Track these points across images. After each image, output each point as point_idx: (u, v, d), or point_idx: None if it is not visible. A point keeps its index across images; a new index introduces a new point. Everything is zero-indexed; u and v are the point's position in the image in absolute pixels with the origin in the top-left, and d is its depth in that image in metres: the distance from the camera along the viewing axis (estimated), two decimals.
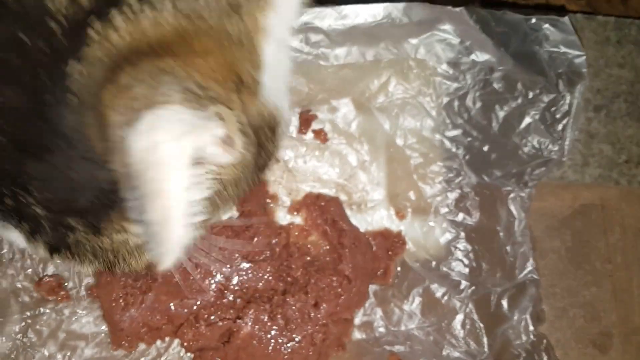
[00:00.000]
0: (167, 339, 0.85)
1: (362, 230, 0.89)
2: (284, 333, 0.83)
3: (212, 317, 0.82)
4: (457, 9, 0.84)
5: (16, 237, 0.52)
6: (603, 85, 0.98)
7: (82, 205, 0.49)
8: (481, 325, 0.86)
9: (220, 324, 0.82)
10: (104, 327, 0.85)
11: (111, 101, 0.44)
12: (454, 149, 0.89)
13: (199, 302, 0.83)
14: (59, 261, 0.57)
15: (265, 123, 0.56)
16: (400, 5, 0.85)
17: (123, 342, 0.83)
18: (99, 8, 0.45)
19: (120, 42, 0.45)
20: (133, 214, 0.46)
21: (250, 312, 0.82)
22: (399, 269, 0.88)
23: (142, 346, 0.85)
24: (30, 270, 0.85)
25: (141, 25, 0.46)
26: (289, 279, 0.85)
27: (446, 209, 0.89)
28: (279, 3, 0.55)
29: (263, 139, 0.56)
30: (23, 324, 0.84)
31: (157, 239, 0.46)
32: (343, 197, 0.90)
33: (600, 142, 0.97)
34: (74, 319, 0.85)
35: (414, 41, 0.87)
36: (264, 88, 0.55)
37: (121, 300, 0.82)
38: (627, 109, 0.98)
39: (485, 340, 0.86)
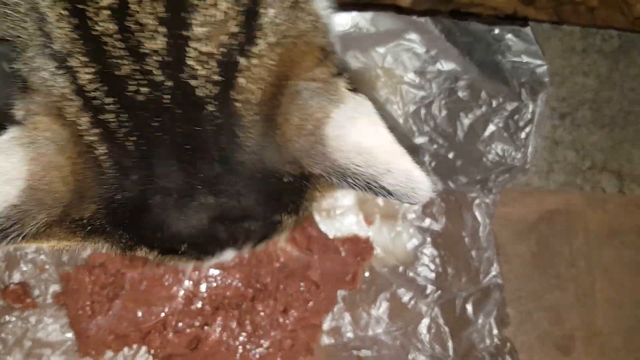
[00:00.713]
0: (134, 346, 0.86)
1: (331, 236, 0.91)
2: (252, 339, 0.85)
3: (180, 324, 0.83)
4: (423, 19, 0.86)
5: (228, 254, 0.60)
6: (568, 93, 1.00)
7: (287, 203, 0.57)
8: (446, 329, 0.88)
9: (188, 330, 0.83)
10: (70, 335, 0.85)
11: (283, 137, 0.52)
12: (420, 156, 0.90)
13: (166, 309, 0.84)
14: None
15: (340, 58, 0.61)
16: (368, 15, 0.86)
17: (90, 350, 0.84)
18: (227, 79, 0.51)
19: (256, 92, 0.52)
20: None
21: (219, 319, 0.84)
22: (367, 274, 0.90)
23: (109, 354, 0.85)
24: None
25: (259, 73, 0.52)
26: (257, 285, 0.86)
27: (413, 215, 0.91)
28: None
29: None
30: None
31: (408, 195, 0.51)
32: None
33: (565, 149, 0.99)
34: (40, 326, 0.85)
35: (381, 50, 0.89)
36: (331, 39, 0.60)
37: (88, 308, 0.83)
38: (592, 117, 1.00)
39: (450, 344, 0.88)
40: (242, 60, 0.52)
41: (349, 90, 0.52)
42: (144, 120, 0.52)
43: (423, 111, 0.90)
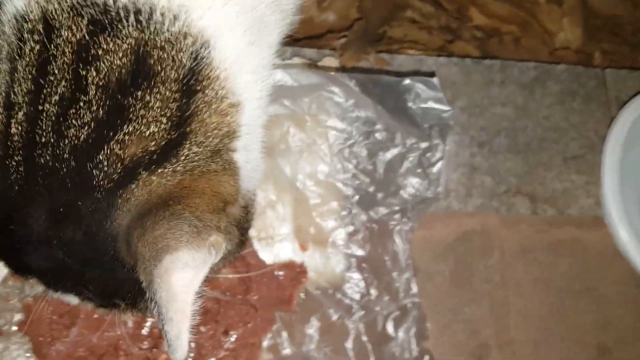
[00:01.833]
0: None
1: (269, 261, 1.02)
2: (197, 358, 0.96)
3: (130, 347, 0.95)
4: (340, 75, 0.97)
5: (71, 299, 0.70)
6: (487, 123, 1.11)
7: (123, 294, 0.68)
8: (370, 345, 0.99)
9: (138, 353, 0.95)
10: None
11: (139, 237, 0.61)
12: (346, 191, 1.01)
13: (118, 333, 0.95)
14: None
15: (244, 211, 0.74)
16: (293, 71, 0.97)
17: None
18: (123, 182, 0.62)
19: (141, 198, 0.63)
20: (151, 313, 0.64)
21: None
22: (302, 295, 1.01)
23: None
24: None
25: (153, 187, 0.63)
26: (200, 309, 0.97)
27: (341, 242, 1.02)
28: (244, 131, 0.70)
29: (242, 222, 0.74)
30: None
31: (171, 341, 0.61)
32: (253, 233, 1.02)
33: (483, 175, 1.09)
34: (6, 353, 0.93)
35: (306, 99, 0.99)
36: (242, 187, 0.72)
37: (48, 335, 0.93)
38: (508, 144, 1.10)
39: (373, 357, 0.99)
40: (144, 174, 0.62)
41: (212, 247, 0.62)
42: (34, 178, 0.62)
43: (347, 151, 1.01)
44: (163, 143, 0.63)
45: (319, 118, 1.00)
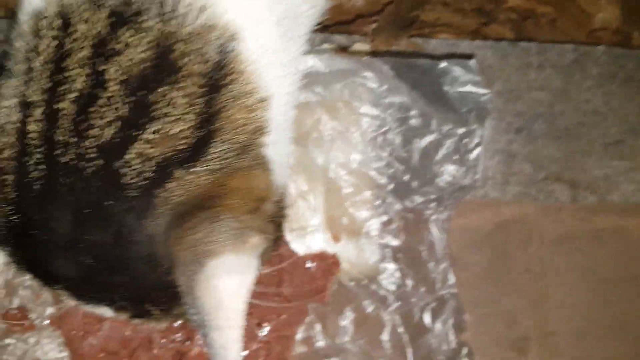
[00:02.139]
0: None
1: (302, 253, 0.99)
2: None
3: (164, 341, 0.93)
4: (374, 60, 0.94)
5: (105, 311, 0.67)
6: (524, 108, 1.07)
7: (157, 300, 0.65)
8: (406, 336, 0.97)
9: (172, 346, 0.93)
10: (66, 353, 0.94)
11: (177, 240, 0.59)
12: (380, 180, 0.99)
13: (152, 326, 0.94)
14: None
15: (278, 206, 0.71)
16: (324, 56, 0.94)
17: None
18: (159, 180, 0.60)
19: (178, 198, 0.60)
20: (193, 322, 0.62)
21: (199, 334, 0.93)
22: (335, 287, 0.99)
23: None
24: None
25: (189, 186, 0.60)
26: None
27: (375, 232, 0.99)
28: (273, 126, 0.68)
29: (277, 218, 0.71)
30: None
31: (217, 350, 0.60)
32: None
33: (521, 162, 1.06)
34: (38, 347, 0.93)
35: (338, 86, 0.97)
36: (274, 182, 0.69)
37: (80, 329, 0.92)
38: (546, 129, 1.07)
39: (410, 349, 0.96)
40: (178, 172, 0.60)
41: (252, 251, 0.61)
42: (56, 176, 0.59)
43: (380, 138, 0.98)
44: (193, 141, 0.61)
45: (352, 105, 0.98)
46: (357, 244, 1.00)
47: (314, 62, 0.95)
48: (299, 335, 0.98)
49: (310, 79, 0.96)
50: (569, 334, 1.02)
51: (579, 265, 1.04)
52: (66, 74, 0.60)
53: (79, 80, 0.60)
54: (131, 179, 0.59)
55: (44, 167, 0.60)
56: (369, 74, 0.96)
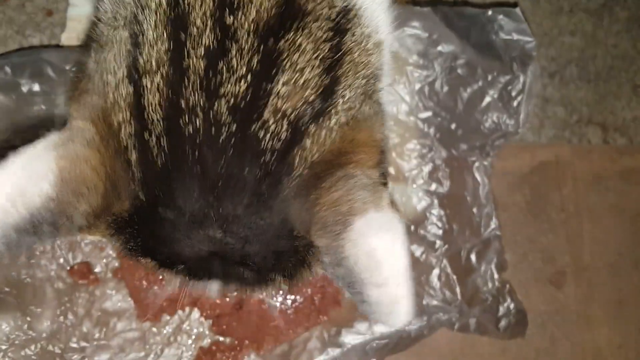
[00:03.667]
0: (187, 308, 0.98)
1: None
2: (287, 297, 0.98)
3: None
4: (425, 9, 0.96)
5: (214, 286, 0.65)
6: (557, 53, 1.10)
7: (287, 268, 0.63)
8: (454, 277, 1.01)
9: (233, 294, 0.97)
10: (132, 303, 0.97)
11: (315, 201, 0.57)
12: (426, 129, 1.02)
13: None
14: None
15: (384, 155, 0.68)
16: None
17: (149, 315, 0.96)
18: (294, 139, 0.57)
19: (315, 157, 0.58)
20: (338, 282, 0.59)
21: None
22: None
23: (166, 317, 0.97)
24: (61, 259, 0.96)
25: (322, 141, 0.59)
26: None
27: (421, 180, 1.03)
28: (384, 71, 0.68)
29: (384, 168, 0.68)
30: (63, 307, 0.95)
31: (383, 307, 0.57)
32: None
33: (555, 106, 1.10)
34: (104, 298, 0.96)
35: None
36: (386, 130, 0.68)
37: (144, 280, 0.95)
38: (578, 74, 1.10)
39: (458, 289, 1.01)
40: (312, 128, 0.58)
41: (389, 206, 0.58)
42: (182, 149, 0.56)
43: (427, 89, 1.01)
44: (320, 90, 0.58)
45: (400, 56, 1.00)
46: (405, 192, 1.03)
47: None
48: None
49: None
50: (602, 269, 1.08)
51: (610, 203, 1.09)
52: (190, 30, 0.57)
53: (205, 35, 0.56)
54: (268, 141, 0.56)
55: (166, 142, 0.57)
56: (418, 23, 0.98)
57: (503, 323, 1.01)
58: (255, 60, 0.56)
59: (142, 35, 0.59)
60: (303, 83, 0.58)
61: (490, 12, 0.97)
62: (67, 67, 0.94)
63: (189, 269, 0.63)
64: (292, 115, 0.57)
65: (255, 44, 0.56)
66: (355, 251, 0.55)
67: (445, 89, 1.01)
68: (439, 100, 1.01)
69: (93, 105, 0.61)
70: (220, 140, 0.56)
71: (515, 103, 1.01)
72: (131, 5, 0.60)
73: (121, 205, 0.60)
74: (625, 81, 1.11)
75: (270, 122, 0.56)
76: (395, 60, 1.00)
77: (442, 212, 1.03)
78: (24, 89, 0.93)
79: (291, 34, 0.58)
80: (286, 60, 0.57)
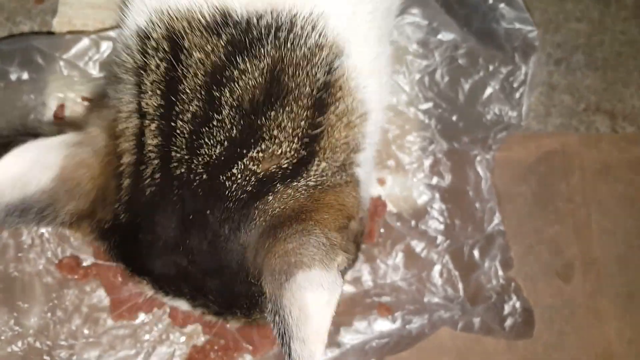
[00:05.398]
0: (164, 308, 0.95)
1: None
2: None
3: None
4: None
5: (182, 304, 0.70)
6: (563, 39, 1.07)
7: (242, 304, 0.68)
8: (456, 273, 0.99)
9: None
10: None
11: (269, 249, 0.61)
12: (426, 120, 0.99)
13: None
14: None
15: (361, 224, 0.74)
16: None
17: (124, 313, 0.94)
18: (258, 194, 0.63)
19: (276, 210, 0.63)
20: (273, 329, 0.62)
21: None
22: (382, 230, 1.00)
23: (142, 315, 0.95)
24: (49, 252, 0.94)
25: (287, 199, 0.63)
26: None
27: (422, 174, 1.00)
28: (367, 143, 0.70)
29: (358, 237, 0.74)
30: (50, 303, 0.94)
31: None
32: None
33: (561, 93, 1.06)
34: (94, 294, 0.95)
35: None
36: (362, 201, 0.72)
37: (119, 276, 0.92)
38: (585, 61, 1.07)
39: (460, 286, 0.99)
40: (279, 187, 0.63)
41: (339, 269, 0.61)
42: (169, 186, 0.63)
43: (427, 79, 0.98)
44: (295, 161, 0.63)
45: (400, 44, 0.97)
46: (405, 186, 1.01)
47: None
48: (347, 276, 1.00)
49: None
50: (611, 260, 1.05)
51: (619, 193, 1.06)
52: (181, 96, 0.63)
53: (193, 104, 0.62)
54: (233, 190, 0.62)
55: (158, 176, 0.64)
56: (418, 10, 0.95)
57: (509, 322, 0.99)
58: (235, 131, 0.62)
59: (143, 85, 0.65)
60: (279, 153, 0.63)
61: (491, 1, 0.94)
62: (57, 54, 0.93)
63: (159, 284, 0.69)
64: (262, 174, 0.63)
65: (237, 117, 0.62)
66: (291, 302, 0.59)
67: (446, 79, 0.98)
68: (439, 90, 0.98)
69: (110, 121, 0.67)
70: (194, 185, 0.63)
71: (517, 95, 0.98)
72: (137, 57, 0.66)
73: (104, 215, 0.67)
74: (634, 68, 1.08)
75: (239, 176, 0.62)
76: (395, 49, 0.97)
77: (443, 207, 1.00)
78: (13, 77, 0.92)
79: (273, 112, 0.62)
80: (265, 134, 0.62)
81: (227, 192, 0.62)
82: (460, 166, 0.99)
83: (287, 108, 0.62)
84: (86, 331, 0.95)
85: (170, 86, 0.63)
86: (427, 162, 1.00)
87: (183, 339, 0.95)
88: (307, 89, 0.63)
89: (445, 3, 0.94)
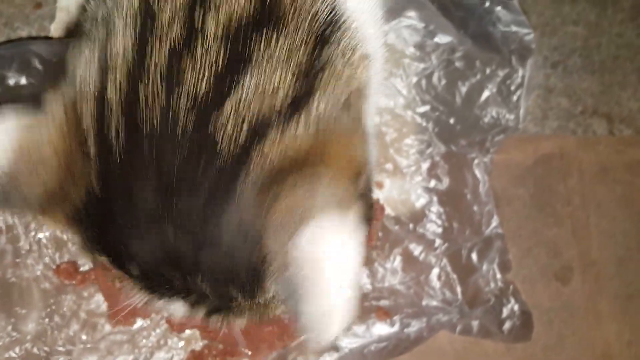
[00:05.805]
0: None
1: None
2: None
3: None
4: None
5: (178, 307, 0.61)
6: (559, 42, 1.07)
7: (242, 279, 0.57)
8: (454, 276, 0.99)
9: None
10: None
11: (272, 203, 0.53)
12: (424, 123, 0.99)
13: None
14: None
15: (368, 184, 0.66)
16: None
17: (120, 318, 0.93)
18: (252, 144, 0.54)
19: (274, 161, 0.54)
20: (282, 295, 0.57)
21: None
22: (380, 233, 1.00)
23: (139, 321, 0.94)
24: (47, 258, 0.93)
25: (285, 147, 0.55)
26: None
27: (420, 177, 1.00)
28: (371, 90, 0.65)
29: (368, 197, 0.66)
30: (48, 309, 0.93)
31: (316, 318, 0.53)
32: None
33: (558, 96, 1.07)
34: (91, 299, 0.94)
35: (384, 28, 0.95)
36: (369, 155, 0.65)
37: (117, 281, 0.92)
38: (582, 64, 1.07)
39: (458, 289, 0.99)
40: (274, 134, 0.55)
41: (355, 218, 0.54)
42: (138, 145, 0.54)
43: (424, 82, 0.98)
44: (289, 100, 0.55)
45: (396, 48, 0.97)
46: (403, 189, 1.01)
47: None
48: None
49: None
50: (610, 263, 1.05)
51: (617, 195, 1.06)
52: (157, 23, 0.55)
53: (172, 31, 0.55)
54: (223, 142, 0.54)
55: (123, 138, 0.55)
56: (414, 13, 0.95)
57: (507, 325, 0.98)
58: (220, 62, 0.54)
59: (113, 31, 0.57)
60: (272, 89, 0.55)
61: (488, 3, 0.94)
62: (55, 60, 0.92)
63: (146, 278, 0.60)
64: (254, 119, 0.54)
65: (222, 45, 0.54)
66: (303, 258, 0.52)
67: (443, 82, 0.98)
68: (436, 94, 0.98)
69: (67, 93, 0.60)
70: (176, 141, 0.54)
71: (514, 97, 0.98)
72: (109, 4, 0.59)
73: (77, 194, 0.59)
74: (631, 71, 1.08)
75: (229, 125, 0.54)
76: (392, 53, 0.97)
77: (441, 210, 1.00)
78: (11, 82, 0.91)
79: (263, 38, 0.55)
80: (256, 63, 0.55)
81: (218, 144, 0.54)
82: (458, 169, 0.99)
83: (282, 34, 0.56)
84: (84, 337, 0.94)
85: (146, 17, 0.56)
86: (425, 165, 1.00)
87: (181, 344, 0.95)
88: (309, 17, 0.57)
89: (442, 6, 0.94)
